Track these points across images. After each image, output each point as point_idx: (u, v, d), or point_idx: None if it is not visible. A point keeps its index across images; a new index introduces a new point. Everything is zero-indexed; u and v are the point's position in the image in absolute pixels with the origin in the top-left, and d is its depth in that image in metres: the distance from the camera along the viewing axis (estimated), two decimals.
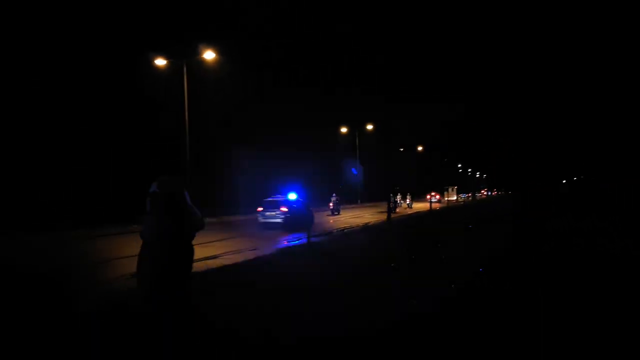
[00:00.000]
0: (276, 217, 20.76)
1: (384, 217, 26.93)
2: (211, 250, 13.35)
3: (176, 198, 4.17)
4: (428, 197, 47.97)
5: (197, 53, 27.75)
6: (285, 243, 15.71)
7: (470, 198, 76.36)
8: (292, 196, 21.43)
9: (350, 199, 50.27)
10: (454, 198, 62.77)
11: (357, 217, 29.98)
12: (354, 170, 50.92)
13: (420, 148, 71.11)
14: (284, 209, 20.80)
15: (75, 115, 27.96)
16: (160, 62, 28.08)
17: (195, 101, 28.51)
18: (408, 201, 44.32)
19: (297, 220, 19.98)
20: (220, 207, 30.73)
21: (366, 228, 21.84)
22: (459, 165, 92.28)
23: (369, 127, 53.15)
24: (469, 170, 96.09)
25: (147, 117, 31.35)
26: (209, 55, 27.63)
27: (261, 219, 21.25)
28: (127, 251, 14.17)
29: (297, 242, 15.71)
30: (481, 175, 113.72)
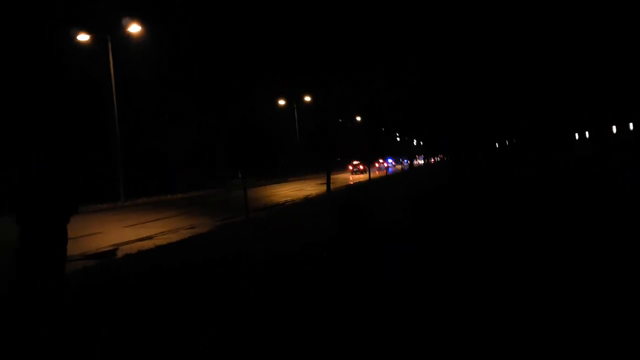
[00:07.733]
0: None
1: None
2: None
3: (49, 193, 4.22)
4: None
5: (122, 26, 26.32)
6: None
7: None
8: None
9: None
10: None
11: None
12: None
13: (358, 118, 71.25)
14: None
15: None
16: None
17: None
18: None
19: None
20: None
21: None
22: (397, 134, 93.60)
23: (307, 98, 52.91)
24: (406, 138, 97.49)
25: None
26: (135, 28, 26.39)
27: None
28: None
29: None
30: (418, 142, 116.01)
